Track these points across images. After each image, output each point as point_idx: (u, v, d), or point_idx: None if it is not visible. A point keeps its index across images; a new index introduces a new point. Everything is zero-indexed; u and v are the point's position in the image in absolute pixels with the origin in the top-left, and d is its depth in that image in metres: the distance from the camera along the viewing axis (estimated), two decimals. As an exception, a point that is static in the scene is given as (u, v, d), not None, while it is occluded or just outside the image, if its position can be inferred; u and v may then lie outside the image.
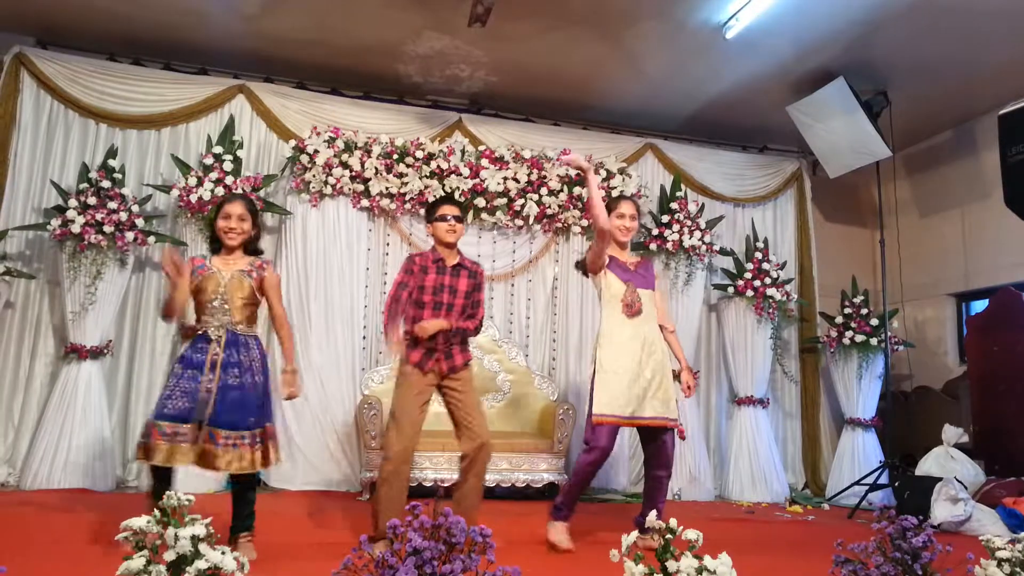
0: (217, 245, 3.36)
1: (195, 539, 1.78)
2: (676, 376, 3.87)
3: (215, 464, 3.03)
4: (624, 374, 3.63)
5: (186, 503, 1.89)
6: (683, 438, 3.72)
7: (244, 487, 3.22)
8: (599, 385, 3.65)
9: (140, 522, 1.82)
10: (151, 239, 5.08)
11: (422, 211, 5.73)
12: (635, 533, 1.97)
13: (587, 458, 3.62)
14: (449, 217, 3.54)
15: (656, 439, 3.71)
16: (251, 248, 3.39)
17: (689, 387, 3.84)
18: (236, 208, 3.32)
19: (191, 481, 4.59)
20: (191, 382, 3.10)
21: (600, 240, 3.68)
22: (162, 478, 3.08)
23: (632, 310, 3.72)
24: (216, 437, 3.04)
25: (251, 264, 3.32)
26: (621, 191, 5.99)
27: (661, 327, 3.84)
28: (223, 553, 1.80)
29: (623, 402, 3.61)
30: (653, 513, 2.06)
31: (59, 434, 4.74)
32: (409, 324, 3.48)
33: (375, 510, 3.40)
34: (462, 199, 5.70)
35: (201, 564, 1.75)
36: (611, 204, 3.93)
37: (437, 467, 4.94)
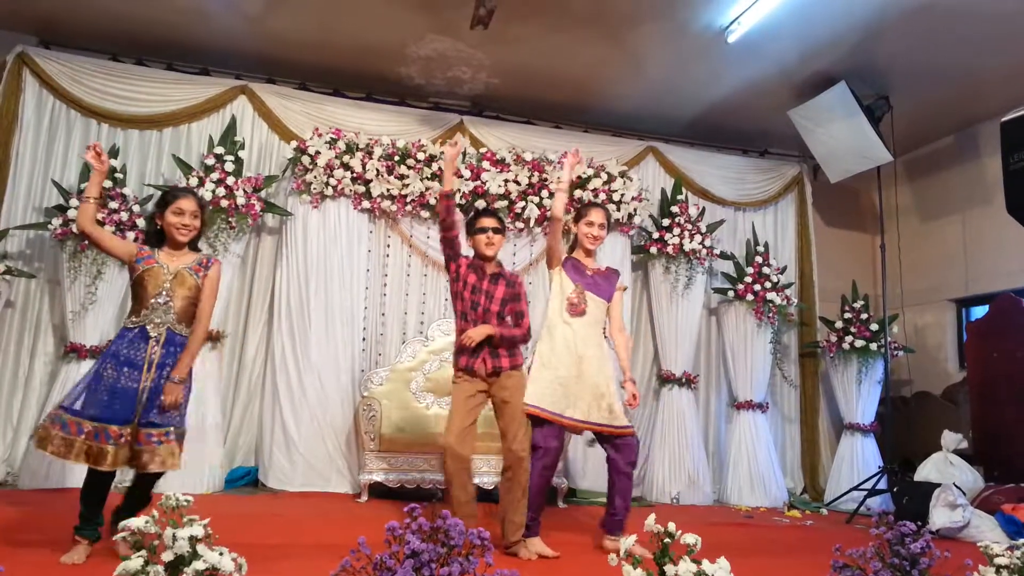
0: (159, 238, 3.20)
1: (193, 539, 1.78)
2: (622, 385, 3.80)
3: (143, 463, 2.94)
4: (557, 369, 3.64)
5: (184, 504, 1.90)
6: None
7: (147, 486, 3.13)
8: (532, 378, 3.67)
9: (138, 522, 1.82)
10: (152, 239, 5.07)
11: (423, 213, 5.76)
12: (633, 537, 1.97)
13: (539, 463, 3.57)
14: (488, 230, 3.66)
15: (610, 443, 3.68)
16: (195, 244, 3.27)
17: (634, 397, 3.72)
18: (190, 204, 3.17)
19: (189, 481, 4.61)
20: (130, 381, 2.97)
21: (552, 231, 3.75)
22: (106, 482, 3.01)
23: (575, 310, 3.71)
24: (140, 437, 2.95)
25: (198, 261, 3.19)
26: (622, 194, 5.99)
27: (614, 333, 3.84)
28: (221, 554, 1.80)
29: (557, 398, 3.60)
30: (652, 517, 2.05)
31: (58, 433, 4.73)
32: (458, 323, 3.66)
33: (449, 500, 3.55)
34: (463, 202, 5.71)
35: (199, 564, 1.75)
36: (581, 211, 3.91)
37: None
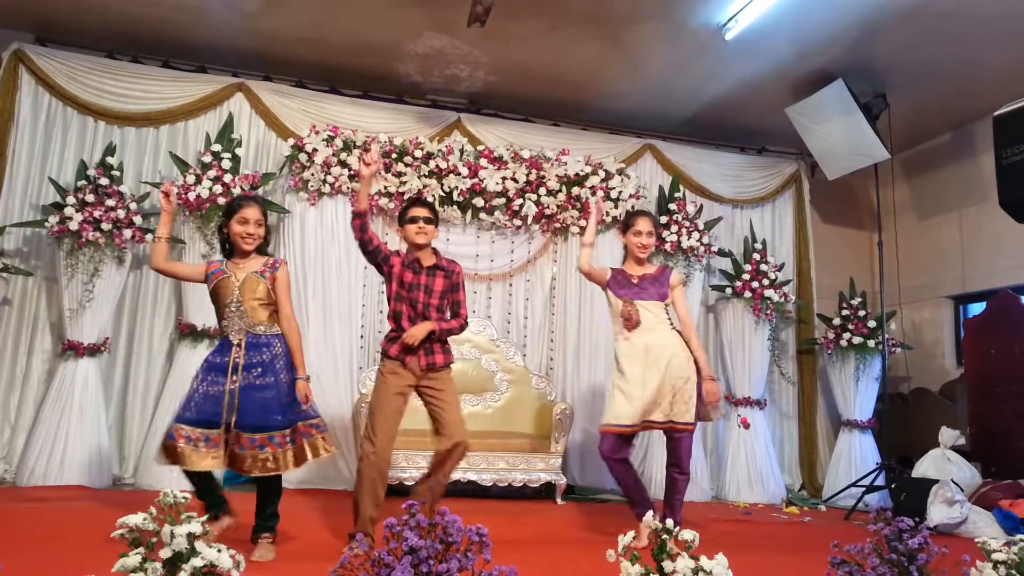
0: (229, 248, 3.33)
1: (191, 536, 1.78)
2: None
3: (242, 467, 3.05)
4: (628, 384, 3.72)
5: (182, 501, 1.89)
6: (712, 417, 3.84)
7: (267, 488, 3.20)
8: (609, 398, 3.79)
9: (136, 519, 1.82)
10: (149, 237, 5.07)
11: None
12: (631, 534, 1.97)
13: (608, 465, 3.79)
14: (419, 219, 3.52)
15: (670, 439, 3.80)
16: (262, 249, 3.37)
17: (711, 394, 3.80)
18: (254, 213, 3.29)
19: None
20: (214, 386, 3.11)
21: (586, 276, 3.98)
22: (198, 482, 3.16)
23: (630, 323, 3.80)
24: (242, 440, 3.05)
25: (264, 264, 3.30)
26: (619, 192, 5.99)
27: (682, 331, 3.90)
28: (219, 551, 1.80)
29: (625, 412, 3.70)
30: (649, 514, 2.06)
31: (56, 431, 4.73)
32: (391, 323, 3.53)
33: (354, 506, 3.40)
34: (460, 199, 5.70)
35: (197, 562, 1.75)
36: (628, 220, 4.00)
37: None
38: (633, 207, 6.06)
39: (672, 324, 3.87)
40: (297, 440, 3.15)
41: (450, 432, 3.46)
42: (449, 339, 3.63)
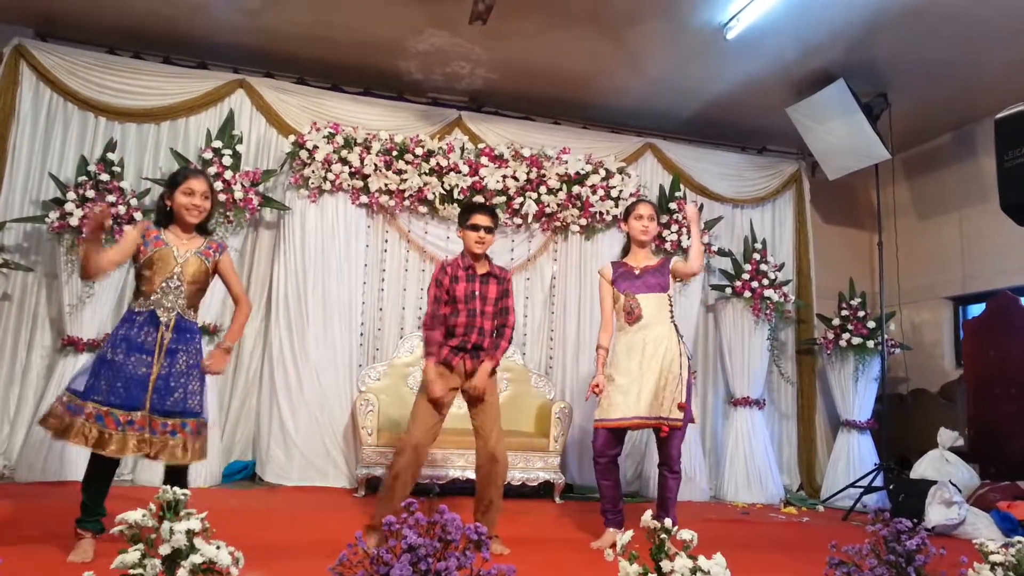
0: (168, 219, 3.14)
1: (190, 533, 1.78)
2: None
3: (155, 455, 2.89)
4: (623, 379, 3.70)
5: (181, 497, 1.89)
6: (689, 421, 3.77)
7: (175, 479, 2.96)
8: (604, 392, 3.74)
9: (136, 516, 1.82)
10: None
11: (421, 208, 5.75)
12: (630, 533, 1.98)
13: (596, 464, 3.77)
14: (480, 228, 3.56)
15: (659, 437, 3.77)
16: (204, 227, 3.21)
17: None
18: (201, 185, 3.11)
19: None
20: (141, 367, 2.92)
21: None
22: (109, 469, 2.98)
23: (631, 317, 3.79)
24: (155, 425, 2.90)
25: (207, 246, 3.16)
26: (620, 191, 5.99)
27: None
28: (218, 548, 1.80)
29: (619, 407, 3.68)
30: (648, 513, 2.05)
31: (55, 427, 4.72)
32: (439, 328, 3.54)
33: (379, 499, 3.43)
34: (461, 197, 5.70)
35: (196, 558, 1.75)
36: (629, 208, 4.01)
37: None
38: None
39: (672, 317, 3.85)
40: (199, 433, 3.02)
41: (490, 445, 3.48)
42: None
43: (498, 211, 5.79)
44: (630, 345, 3.74)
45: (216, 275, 3.22)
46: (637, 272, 3.86)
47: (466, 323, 3.52)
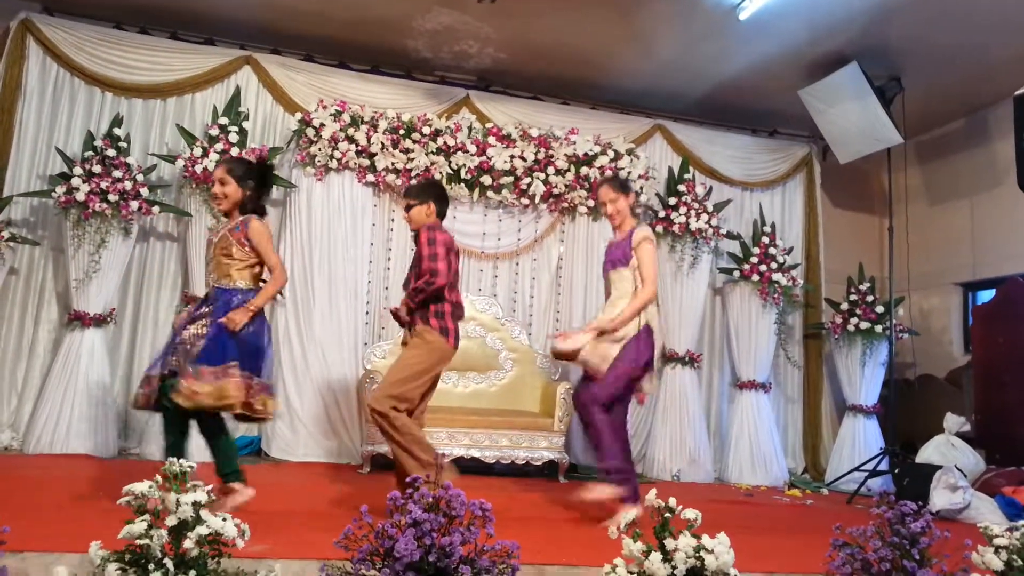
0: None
1: (196, 505, 1.79)
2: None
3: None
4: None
5: (188, 470, 1.90)
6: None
7: (204, 423, 3.27)
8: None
9: (142, 487, 1.83)
10: (155, 209, 5.07)
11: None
12: (634, 511, 1.98)
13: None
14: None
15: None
16: (248, 208, 3.43)
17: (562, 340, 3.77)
18: (216, 172, 3.42)
19: (193, 448, 4.63)
20: (177, 334, 3.30)
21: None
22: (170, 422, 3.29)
23: (607, 293, 3.86)
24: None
25: (237, 222, 3.39)
26: (628, 172, 5.96)
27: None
28: (224, 520, 1.81)
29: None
30: (653, 492, 2.05)
31: (62, 400, 4.76)
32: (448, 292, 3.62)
33: (408, 450, 3.43)
34: (468, 177, 5.68)
35: (202, 530, 1.76)
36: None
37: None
38: (642, 188, 6.04)
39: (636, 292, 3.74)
40: (221, 379, 3.19)
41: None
42: (457, 320, 3.71)
43: (505, 191, 5.80)
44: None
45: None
46: (611, 248, 3.88)
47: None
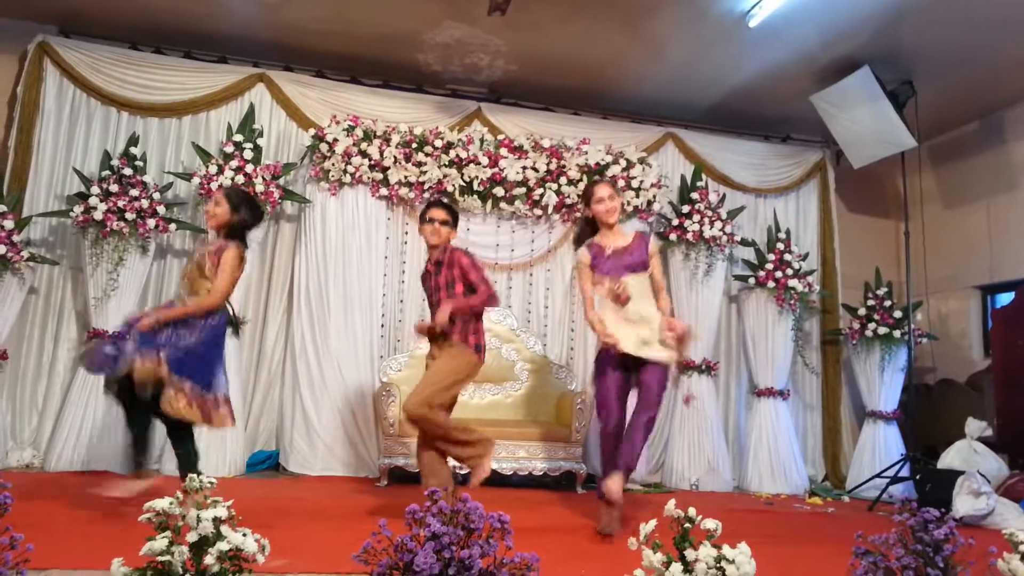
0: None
1: (217, 521, 1.79)
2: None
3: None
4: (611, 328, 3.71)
5: (208, 486, 1.91)
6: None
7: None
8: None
9: (163, 503, 1.84)
10: (172, 226, 5.12)
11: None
12: (653, 522, 1.96)
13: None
14: (436, 221, 3.87)
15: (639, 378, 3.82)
16: (231, 233, 3.65)
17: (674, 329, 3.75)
18: (216, 193, 3.73)
19: (212, 464, 4.67)
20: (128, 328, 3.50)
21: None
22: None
23: (620, 300, 3.71)
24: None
25: (220, 243, 3.62)
26: (641, 181, 5.96)
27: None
28: (244, 535, 1.81)
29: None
30: (672, 502, 2.04)
31: (82, 418, 4.81)
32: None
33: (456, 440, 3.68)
34: (480, 189, 5.71)
35: (223, 545, 1.77)
36: (586, 193, 3.96)
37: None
38: (654, 196, 6.03)
39: (652, 296, 3.81)
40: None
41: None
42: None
43: (517, 202, 5.81)
44: (618, 318, 3.72)
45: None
46: (608, 253, 3.81)
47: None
